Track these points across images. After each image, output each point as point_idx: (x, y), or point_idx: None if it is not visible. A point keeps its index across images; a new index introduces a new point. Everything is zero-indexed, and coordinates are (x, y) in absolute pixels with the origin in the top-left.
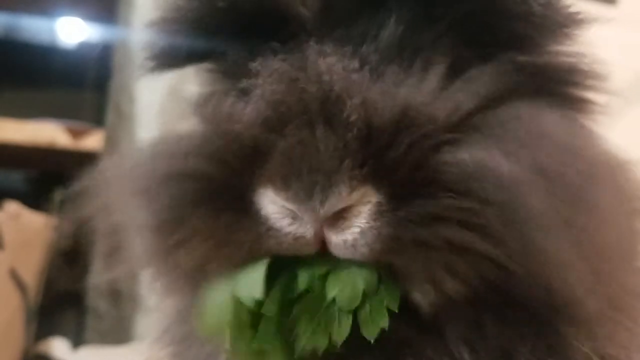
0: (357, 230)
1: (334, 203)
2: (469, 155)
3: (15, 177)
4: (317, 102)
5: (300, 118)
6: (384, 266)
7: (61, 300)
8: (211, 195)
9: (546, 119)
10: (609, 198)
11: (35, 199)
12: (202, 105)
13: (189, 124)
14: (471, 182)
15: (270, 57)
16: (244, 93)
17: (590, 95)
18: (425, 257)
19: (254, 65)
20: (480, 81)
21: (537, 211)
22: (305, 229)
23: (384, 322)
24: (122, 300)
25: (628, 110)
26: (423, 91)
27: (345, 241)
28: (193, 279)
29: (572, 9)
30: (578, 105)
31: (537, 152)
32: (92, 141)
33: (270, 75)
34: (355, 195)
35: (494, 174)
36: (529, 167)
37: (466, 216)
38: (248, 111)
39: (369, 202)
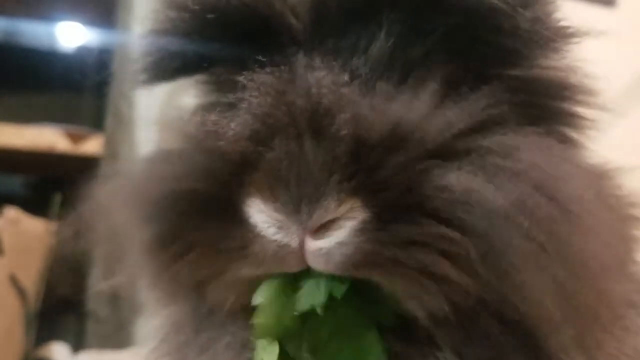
0: (335, 240)
1: (322, 215)
2: (457, 182)
3: (14, 182)
4: (305, 114)
5: (287, 130)
6: (364, 281)
7: (61, 305)
8: (202, 211)
9: (533, 149)
10: (594, 216)
11: (35, 204)
12: (189, 120)
13: (178, 139)
14: (455, 211)
15: (257, 70)
16: (231, 107)
17: (580, 109)
18: (401, 276)
19: (241, 78)
20: (471, 102)
21: (515, 246)
22: (290, 239)
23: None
24: (122, 304)
25: (627, 112)
26: (414, 109)
27: (320, 249)
28: (188, 290)
29: (563, 23)
30: (567, 120)
31: (522, 186)
32: (92, 146)
33: (257, 88)
34: (343, 208)
35: (478, 205)
36: (512, 202)
37: (446, 245)
38: (234, 126)
39: (354, 218)
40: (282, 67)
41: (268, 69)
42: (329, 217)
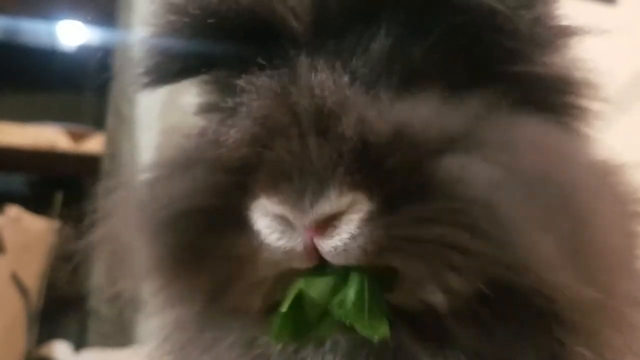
0: (346, 236)
1: (324, 207)
2: (456, 162)
3: (16, 181)
4: (309, 115)
5: (288, 131)
6: (386, 272)
7: (63, 304)
8: (210, 225)
9: (531, 126)
10: (596, 203)
11: (36, 202)
12: (190, 127)
13: (180, 148)
14: (457, 187)
15: (257, 73)
16: (231, 112)
17: (582, 102)
18: (424, 256)
19: (241, 82)
20: (472, 102)
21: (515, 212)
22: (294, 243)
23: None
24: (123, 302)
25: (627, 110)
26: (417, 113)
27: (335, 247)
28: (199, 296)
29: (564, 23)
30: (569, 112)
31: (517, 157)
32: (93, 144)
33: (256, 91)
34: (346, 199)
35: (473, 177)
36: (507, 171)
37: (455, 216)
38: (234, 132)
39: (360, 210)
40: (282, 70)
41: (268, 72)
42: (333, 209)
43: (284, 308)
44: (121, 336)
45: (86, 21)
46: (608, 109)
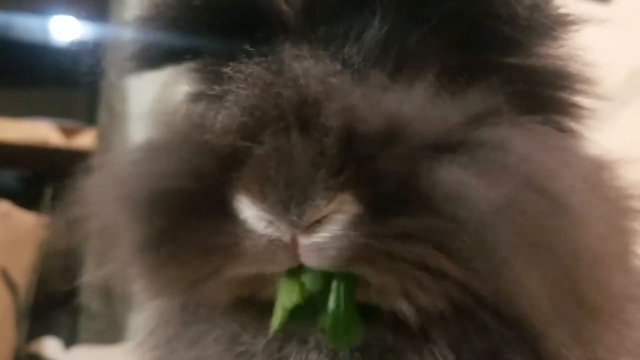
0: (328, 234)
1: (311, 215)
2: (450, 176)
3: (7, 176)
4: (292, 106)
5: (276, 124)
6: (354, 278)
7: (54, 300)
8: (193, 209)
9: (526, 141)
10: (590, 213)
11: (27, 198)
12: (176, 111)
13: (166, 131)
14: (448, 205)
15: (244, 60)
16: (218, 98)
17: (579, 99)
18: (396, 271)
19: (228, 70)
20: (467, 93)
21: (506, 242)
22: (282, 233)
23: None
24: (115, 299)
25: (623, 108)
26: (409, 101)
27: (315, 243)
28: (180, 287)
29: (562, 11)
30: (566, 109)
31: (512, 181)
32: (85, 140)
33: (244, 79)
34: (333, 205)
35: (469, 200)
36: (502, 198)
37: (441, 238)
38: (221, 118)
39: (347, 211)
40: (270, 58)
41: (255, 60)
42: (321, 214)
43: (284, 301)
44: (112, 333)
45: (78, 17)
46: (605, 106)
